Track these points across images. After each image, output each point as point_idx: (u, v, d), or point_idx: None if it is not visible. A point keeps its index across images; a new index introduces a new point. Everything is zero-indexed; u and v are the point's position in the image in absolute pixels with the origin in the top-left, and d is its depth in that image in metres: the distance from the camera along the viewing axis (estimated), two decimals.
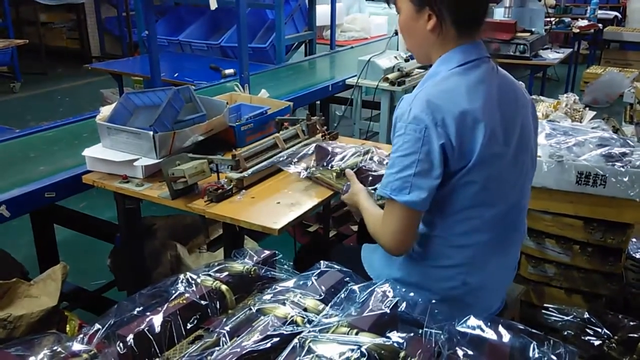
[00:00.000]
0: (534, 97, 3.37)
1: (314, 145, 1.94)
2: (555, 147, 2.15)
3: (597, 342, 1.98)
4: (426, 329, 1.06)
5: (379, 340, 0.99)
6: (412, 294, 1.35)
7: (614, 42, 7.23)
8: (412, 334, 1.04)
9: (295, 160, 1.89)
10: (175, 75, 3.65)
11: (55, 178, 1.93)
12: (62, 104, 5.94)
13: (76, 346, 1.14)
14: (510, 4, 4.40)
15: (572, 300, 2.28)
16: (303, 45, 4.51)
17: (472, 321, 1.05)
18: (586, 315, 2.03)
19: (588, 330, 2.01)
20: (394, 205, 1.32)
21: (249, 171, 1.79)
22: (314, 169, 1.84)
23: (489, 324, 1.03)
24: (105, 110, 1.95)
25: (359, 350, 0.95)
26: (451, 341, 1.01)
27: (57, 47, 8.06)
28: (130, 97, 1.96)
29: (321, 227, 3.03)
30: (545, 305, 2.21)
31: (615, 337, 1.95)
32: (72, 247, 2.89)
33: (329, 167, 1.80)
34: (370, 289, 1.16)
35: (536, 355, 0.96)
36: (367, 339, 0.99)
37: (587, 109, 3.21)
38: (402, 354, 0.99)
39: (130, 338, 1.11)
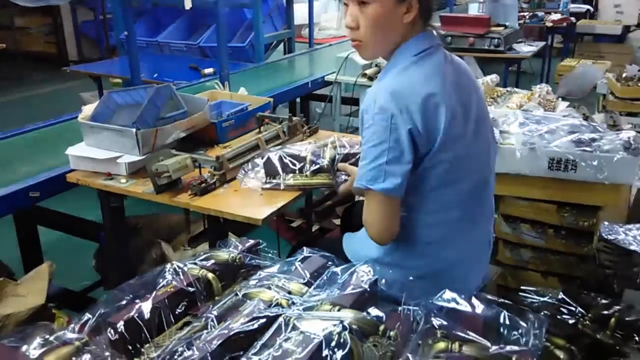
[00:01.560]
0: (508, 89, 3.46)
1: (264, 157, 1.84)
2: (527, 134, 2.22)
3: (572, 321, 2.05)
4: (404, 306, 1.11)
5: (360, 315, 1.04)
6: (390, 272, 1.42)
7: (587, 35, 7.39)
8: (391, 309, 1.09)
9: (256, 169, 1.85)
10: (155, 75, 3.67)
11: (38, 178, 1.95)
12: (41, 109, 5.88)
13: (68, 335, 1.17)
14: (484, 0, 4.50)
15: (548, 282, 2.36)
16: (282, 44, 4.55)
17: (448, 295, 1.10)
18: (561, 296, 2.10)
19: (563, 310, 2.07)
20: (372, 195, 1.38)
21: (230, 165, 1.82)
22: (282, 179, 1.81)
23: (463, 296, 1.09)
24: (88, 110, 1.98)
25: (341, 325, 1.00)
26: (428, 314, 1.06)
27: (33, 52, 7.98)
28: (112, 96, 1.99)
29: (304, 222, 3.08)
30: (522, 287, 2.29)
31: (589, 315, 2.02)
32: (56, 249, 2.89)
33: (300, 172, 1.80)
34: (350, 270, 1.21)
35: (507, 322, 1.02)
36: (349, 314, 1.04)
37: (561, 100, 3.31)
38: (381, 328, 1.04)
39: (120, 325, 1.15)
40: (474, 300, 1.08)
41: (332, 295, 1.13)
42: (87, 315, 1.21)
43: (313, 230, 3.03)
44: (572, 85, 6.16)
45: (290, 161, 1.79)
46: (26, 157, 2.23)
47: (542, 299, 2.20)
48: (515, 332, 1.03)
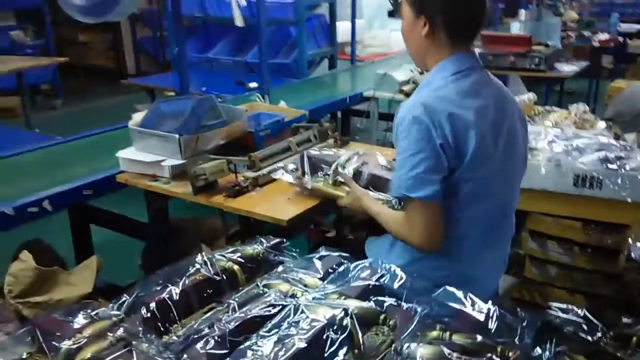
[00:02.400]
0: (546, 107, 3.48)
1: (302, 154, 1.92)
2: (554, 151, 2.27)
3: (593, 338, 2.07)
4: (405, 300, 1.21)
5: (363, 304, 1.15)
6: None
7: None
8: (393, 302, 1.19)
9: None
10: (203, 89, 3.89)
11: (92, 177, 2.15)
12: (101, 119, 6.25)
13: (107, 312, 1.32)
14: (527, 18, 4.53)
15: (575, 300, 2.37)
16: (326, 61, 4.72)
17: (447, 291, 1.19)
18: (583, 313, 2.12)
19: (585, 327, 2.10)
20: (413, 203, 1.42)
21: (264, 170, 1.96)
22: (309, 178, 1.87)
23: (462, 293, 1.17)
24: (137, 117, 2.17)
25: (343, 312, 1.11)
26: (426, 307, 1.15)
27: (95, 66, 8.47)
28: (160, 105, 2.18)
29: (339, 233, 3.18)
30: (548, 304, 2.31)
31: (611, 333, 2.04)
32: (106, 247, 3.10)
33: (324, 176, 1.86)
34: (360, 267, 1.31)
35: (499, 318, 1.10)
36: (353, 303, 1.15)
37: (599, 119, 3.30)
38: (382, 317, 1.14)
39: (153, 305, 1.29)
40: (470, 297, 1.16)
41: (341, 287, 1.24)
42: (125, 296, 1.37)
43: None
44: (622, 107, 6.00)
45: (322, 162, 1.85)
46: (82, 159, 2.45)
47: (565, 315, 2.23)
48: (506, 328, 1.11)
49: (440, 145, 1.39)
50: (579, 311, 2.12)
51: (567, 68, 4.31)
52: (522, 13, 4.70)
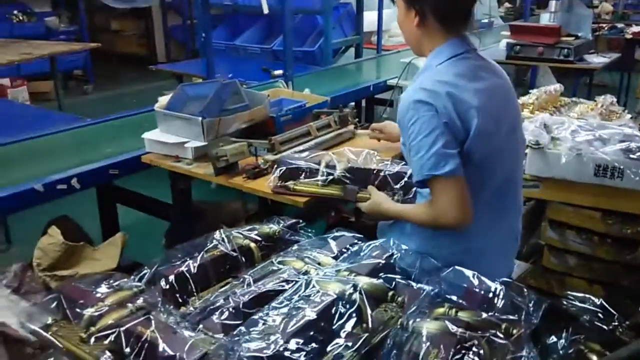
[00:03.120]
0: (573, 99, 3.44)
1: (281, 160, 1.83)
2: (576, 141, 2.25)
3: (609, 327, 2.06)
4: (415, 279, 1.24)
5: (372, 281, 1.18)
6: (423, 261, 1.51)
7: None
8: (403, 280, 1.22)
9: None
10: (230, 75, 3.93)
11: (118, 158, 2.22)
12: (130, 104, 6.39)
13: (129, 283, 1.38)
14: (557, 9, 4.45)
15: (593, 290, 2.35)
16: (352, 49, 4.72)
17: (457, 270, 1.21)
18: (600, 302, 2.11)
19: (601, 316, 2.09)
20: (439, 181, 1.42)
21: (285, 154, 2.00)
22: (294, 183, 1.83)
23: (470, 272, 1.20)
24: (163, 100, 2.23)
25: (353, 287, 1.14)
26: (434, 286, 1.18)
27: (127, 53, 8.63)
28: (184, 88, 2.24)
29: (358, 219, 3.21)
30: (565, 293, 2.31)
31: (627, 322, 2.03)
32: (133, 227, 3.19)
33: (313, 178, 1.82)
34: (372, 246, 1.35)
35: (502, 294, 1.12)
36: (363, 279, 1.18)
37: (627, 112, 3.24)
38: (390, 293, 1.17)
39: (171, 277, 1.35)
40: (478, 277, 1.18)
41: (352, 264, 1.27)
42: (146, 269, 1.43)
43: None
44: None
45: (306, 168, 1.83)
46: (110, 141, 2.53)
47: (582, 304, 2.23)
48: (512, 307, 1.13)
49: (446, 124, 1.42)
50: (596, 300, 2.12)
51: (597, 60, 4.23)
52: (552, 4, 4.62)
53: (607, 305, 2.11)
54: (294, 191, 1.82)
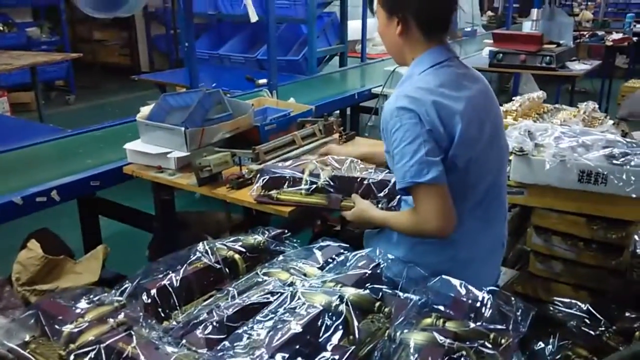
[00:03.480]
0: (556, 106, 3.47)
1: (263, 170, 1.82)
2: (560, 147, 2.26)
3: (596, 332, 2.06)
4: (401, 289, 1.22)
5: (358, 292, 1.16)
6: (409, 269, 1.49)
7: None
8: (389, 290, 1.20)
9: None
10: (214, 85, 3.91)
11: (100, 169, 2.19)
12: (113, 115, 6.34)
13: (109, 297, 1.35)
14: (538, 17, 4.50)
15: (579, 295, 2.36)
16: (336, 58, 4.73)
17: (444, 280, 1.20)
18: (587, 308, 2.11)
19: (588, 322, 2.09)
20: (421, 188, 1.42)
21: (268, 163, 1.98)
22: (277, 192, 1.81)
23: (457, 281, 1.18)
24: (145, 110, 2.20)
25: (339, 299, 1.12)
26: (421, 296, 1.16)
27: (109, 63, 8.58)
28: (167, 98, 2.21)
29: (343, 228, 3.20)
30: (552, 299, 2.31)
31: (614, 327, 2.03)
32: (115, 239, 3.15)
33: (296, 187, 1.80)
34: (358, 256, 1.33)
35: (489, 304, 1.10)
36: (349, 290, 1.16)
37: (608, 118, 3.28)
38: (377, 304, 1.15)
39: (154, 291, 1.32)
40: (465, 286, 1.17)
41: (338, 275, 1.25)
42: (127, 283, 1.39)
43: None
44: (635, 106, 5.98)
45: (289, 177, 1.81)
46: (92, 152, 2.49)
47: (568, 310, 2.23)
48: (500, 316, 1.12)
49: (429, 131, 1.41)
50: (582, 306, 2.12)
51: (579, 67, 4.28)
52: (534, 12, 4.67)
53: (593, 311, 2.12)
54: (278, 200, 1.80)
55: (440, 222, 1.42)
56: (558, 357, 1.93)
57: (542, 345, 1.94)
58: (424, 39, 1.51)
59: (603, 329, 2.06)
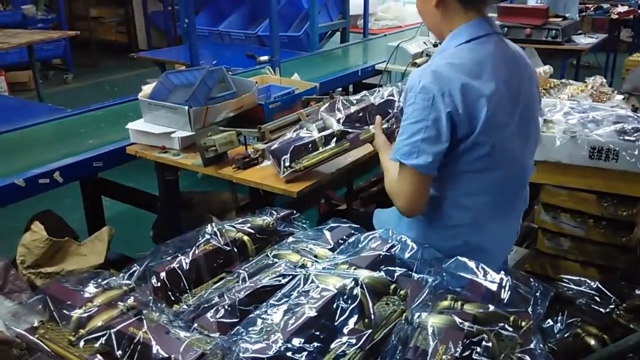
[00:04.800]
0: (563, 80, 3.41)
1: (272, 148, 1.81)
2: (569, 123, 2.22)
3: (606, 310, 2.05)
4: (416, 271, 1.19)
5: (373, 274, 1.14)
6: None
7: None
8: (403, 271, 1.18)
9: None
10: (214, 62, 3.85)
11: (102, 149, 2.15)
12: (112, 94, 6.27)
13: (117, 281, 1.32)
14: None
15: (588, 273, 2.35)
16: (338, 34, 4.65)
17: (459, 261, 1.17)
18: (596, 285, 2.10)
19: (598, 299, 2.08)
20: (404, 169, 1.42)
21: (275, 142, 1.94)
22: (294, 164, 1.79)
23: (474, 263, 1.16)
24: (147, 89, 2.16)
25: (354, 281, 1.10)
26: (437, 278, 1.14)
27: (106, 41, 8.44)
28: (169, 77, 2.16)
29: (349, 207, 3.17)
30: (560, 276, 2.30)
31: (624, 305, 2.02)
32: (119, 220, 3.13)
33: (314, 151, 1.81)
34: (371, 237, 1.30)
35: (507, 286, 1.08)
36: (363, 273, 1.14)
37: (616, 93, 3.23)
38: (392, 286, 1.13)
39: (163, 274, 1.29)
40: (482, 268, 1.15)
41: (351, 257, 1.23)
42: (135, 266, 1.37)
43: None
44: (639, 81, 5.91)
45: (301, 145, 1.80)
46: (93, 132, 2.44)
47: (578, 287, 2.22)
48: (518, 298, 1.09)
49: (449, 114, 1.36)
50: (592, 283, 2.11)
51: (585, 41, 4.20)
52: None
53: (603, 288, 2.10)
54: (305, 168, 1.79)
55: (407, 204, 1.46)
56: (567, 334, 1.92)
57: (551, 323, 1.92)
58: (462, 10, 1.43)
59: (613, 306, 2.04)
